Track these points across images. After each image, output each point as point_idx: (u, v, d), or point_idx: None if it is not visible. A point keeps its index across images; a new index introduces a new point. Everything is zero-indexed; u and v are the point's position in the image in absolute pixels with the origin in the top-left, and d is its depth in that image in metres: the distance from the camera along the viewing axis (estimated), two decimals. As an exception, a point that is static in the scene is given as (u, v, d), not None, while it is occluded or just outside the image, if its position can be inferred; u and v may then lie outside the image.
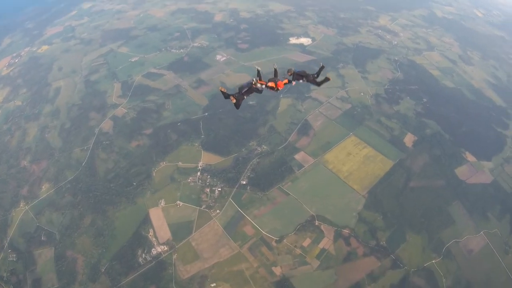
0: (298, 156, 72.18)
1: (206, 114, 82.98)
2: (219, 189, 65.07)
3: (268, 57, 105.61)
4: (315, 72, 22.06)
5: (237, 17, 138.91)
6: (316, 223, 62.06)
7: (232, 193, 64.52)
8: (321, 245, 60.32)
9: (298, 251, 59.25)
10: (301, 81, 22.13)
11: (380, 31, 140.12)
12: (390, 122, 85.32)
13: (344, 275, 58.13)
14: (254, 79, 21.26)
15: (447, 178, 74.93)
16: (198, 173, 68.27)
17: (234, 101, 21.40)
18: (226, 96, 21.70)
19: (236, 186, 65.76)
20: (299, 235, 60.69)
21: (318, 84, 22.13)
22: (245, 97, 21.73)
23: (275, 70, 21.97)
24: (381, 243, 62.50)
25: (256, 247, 58.79)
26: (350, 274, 58.63)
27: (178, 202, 64.20)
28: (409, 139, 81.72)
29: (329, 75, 22.17)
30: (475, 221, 68.88)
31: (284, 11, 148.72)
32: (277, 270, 56.73)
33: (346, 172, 71.13)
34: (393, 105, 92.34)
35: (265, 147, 73.57)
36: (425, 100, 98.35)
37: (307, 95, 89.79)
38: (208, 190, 65.35)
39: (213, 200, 63.77)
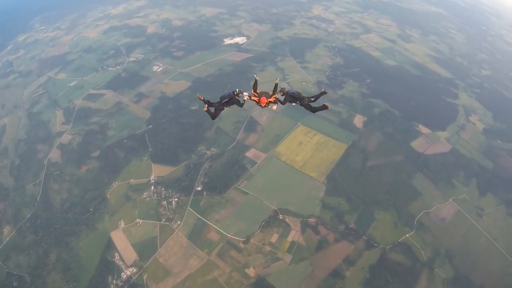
0: (249, 154, 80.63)
1: (150, 126, 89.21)
2: (176, 200, 70.57)
3: (204, 61, 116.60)
4: (311, 96, 22.55)
5: (170, 26, 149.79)
6: (280, 217, 68.44)
7: (190, 202, 70.34)
8: (290, 238, 65.87)
9: (268, 248, 64.32)
10: (293, 104, 22.30)
11: (314, 21, 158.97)
12: (336, 106, 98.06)
13: (319, 264, 63.15)
14: (237, 90, 22.02)
15: (405, 153, 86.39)
16: (152, 187, 73.44)
17: (206, 109, 22.30)
18: (208, 103, 22.56)
19: (192, 193, 71.72)
20: (265, 232, 66.34)
21: (313, 110, 22.13)
22: (224, 108, 22.64)
23: (276, 86, 22.58)
24: (350, 226, 68.98)
25: (224, 252, 63.44)
26: (326, 262, 63.73)
27: (138, 220, 68.58)
28: (358, 120, 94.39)
29: (327, 104, 22.07)
30: (442, 190, 79.10)
31: (215, 14, 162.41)
32: (251, 272, 61.00)
33: (301, 161, 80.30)
34: (337, 89, 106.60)
35: (214, 149, 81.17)
36: (368, 80, 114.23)
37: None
38: (165, 202, 70.58)
39: (172, 212, 68.96)
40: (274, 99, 22.15)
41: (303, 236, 66.11)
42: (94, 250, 65.20)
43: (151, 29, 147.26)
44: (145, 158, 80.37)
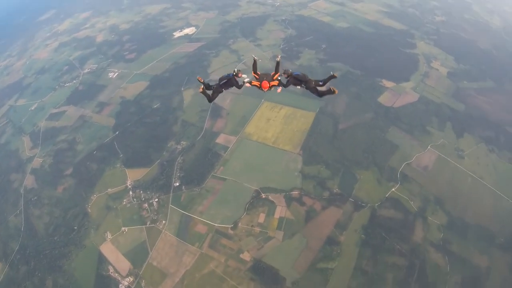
0: (219, 140, 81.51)
1: (117, 133, 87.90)
2: (156, 200, 70.72)
3: (157, 58, 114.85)
4: (320, 80, 20.95)
5: (118, 31, 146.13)
6: (263, 196, 69.40)
7: (170, 199, 70.56)
8: (277, 215, 66.61)
9: (257, 229, 64.94)
10: (298, 87, 21.03)
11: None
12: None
13: (312, 235, 64.06)
14: (235, 70, 21.19)
15: (374, 109, 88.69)
16: (130, 193, 73.03)
17: (201, 90, 21.50)
18: (207, 86, 21.76)
19: (171, 190, 71.94)
20: (251, 214, 67.05)
21: (320, 94, 20.81)
22: (223, 90, 21.71)
23: (277, 64, 21.57)
24: (335, 191, 70.38)
25: (215, 242, 63.79)
26: (318, 231, 64.71)
27: (123, 228, 68.10)
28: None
29: (334, 87, 20.42)
30: (418, 139, 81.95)
31: (161, 10, 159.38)
32: (246, 256, 61.47)
33: (272, 137, 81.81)
34: (294, 60, 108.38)
35: (184, 142, 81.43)
36: (324, 46, 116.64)
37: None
38: (146, 205, 70.53)
39: (155, 213, 69.09)
40: (277, 82, 20.85)
41: (289, 210, 67.02)
42: (87, 268, 64.50)
43: (100, 38, 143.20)
44: (118, 165, 79.52)
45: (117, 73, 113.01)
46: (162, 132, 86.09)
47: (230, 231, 64.62)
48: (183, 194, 71.44)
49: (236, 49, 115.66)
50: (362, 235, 64.39)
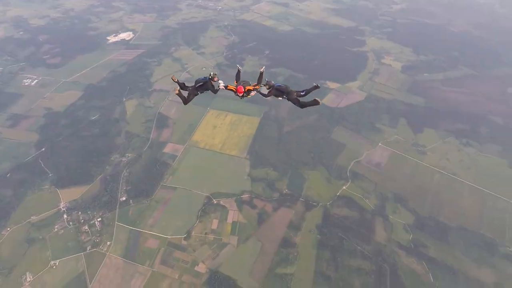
0: (167, 149, 79.62)
1: (43, 149, 78.77)
2: (99, 219, 65.40)
3: (91, 65, 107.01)
4: (301, 90, 20.85)
5: (28, 27, 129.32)
6: (215, 202, 69.20)
7: (116, 215, 66.25)
8: (229, 220, 66.63)
9: (211, 236, 63.83)
10: (280, 98, 20.79)
11: (200, 1, 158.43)
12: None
13: (267, 238, 63.26)
14: (211, 74, 20.91)
15: (318, 111, 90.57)
16: (65, 216, 65.84)
17: (177, 92, 21.07)
18: (182, 86, 21.34)
19: (117, 206, 67.72)
20: (204, 221, 66.05)
21: (302, 105, 20.64)
22: (198, 93, 21.25)
23: (260, 75, 21.55)
24: (284, 191, 71.92)
25: (168, 256, 60.19)
26: (272, 233, 64.12)
27: (52, 262, 59.24)
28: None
29: (318, 99, 20.23)
30: (367, 136, 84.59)
31: (87, 7, 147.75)
32: (201, 268, 58.73)
33: (219, 143, 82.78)
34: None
35: (129, 154, 77.58)
36: (267, 52, 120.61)
37: (150, 90, 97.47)
38: (86, 227, 64.34)
39: (98, 235, 63.48)
40: (253, 87, 20.49)
41: (241, 214, 67.27)
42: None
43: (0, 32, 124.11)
44: (46, 187, 70.56)
45: (36, 80, 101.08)
46: (103, 145, 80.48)
47: (184, 242, 62.43)
48: (130, 208, 67.55)
49: (179, 57, 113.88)
50: (318, 235, 64.32)
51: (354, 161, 78.70)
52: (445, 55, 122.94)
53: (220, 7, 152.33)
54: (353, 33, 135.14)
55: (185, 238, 62.93)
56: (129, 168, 74.65)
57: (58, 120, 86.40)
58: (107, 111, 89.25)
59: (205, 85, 20.85)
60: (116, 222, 65.25)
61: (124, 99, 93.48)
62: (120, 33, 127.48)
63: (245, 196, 70.49)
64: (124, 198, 68.94)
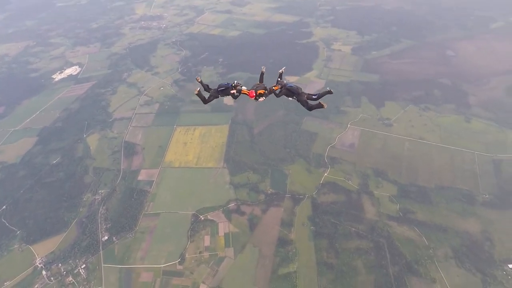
0: (141, 176, 75.63)
1: (4, 207, 71.45)
2: (83, 266, 60.10)
3: (40, 108, 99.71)
4: (314, 93, 20.82)
5: None
6: (202, 218, 66.65)
7: (101, 258, 61.26)
8: (221, 233, 64.38)
9: (206, 254, 61.14)
10: (290, 98, 21.17)
11: (143, 22, 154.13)
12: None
13: (262, 241, 62.69)
14: (235, 82, 21.39)
15: (283, 106, 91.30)
16: (44, 272, 59.83)
17: (196, 92, 21.65)
18: (205, 87, 22.07)
19: (100, 247, 62.72)
20: (195, 240, 63.27)
21: (309, 108, 20.56)
22: (219, 96, 21.66)
23: (280, 75, 22.26)
24: (269, 192, 71.00)
25: (166, 286, 57.01)
26: (266, 236, 63.71)
27: None
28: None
29: (324, 103, 20.30)
30: (335, 121, 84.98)
31: (23, 49, 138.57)
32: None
33: (194, 159, 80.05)
34: (196, 80, 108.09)
35: (102, 191, 72.66)
36: (221, 59, 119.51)
37: (110, 120, 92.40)
38: (70, 278, 58.88)
39: (85, 282, 58.29)
40: (263, 91, 20.87)
41: (231, 223, 65.81)
42: None
43: None
44: (15, 246, 64.12)
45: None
46: (72, 187, 74.53)
47: (179, 267, 59.56)
48: (115, 246, 63.05)
49: (133, 82, 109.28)
50: (311, 227, 63.83)
51: (329, 146, 79.68)
52: (386, 31, 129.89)
53: (164, 25, 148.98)
54: (299, 26, 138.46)
55: (179, 263, 59.77)
56: (105, 205, 69.77)
57: (15, 172, 78.97)
58: (68, 152, 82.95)
59: (227, 90, 21.28)
60: (103, 265, 60.51)
61: (84, 136, 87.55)
62: (65, 69, 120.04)
63: (232, 205, 68.75)
64: (106, 237, 64.14)
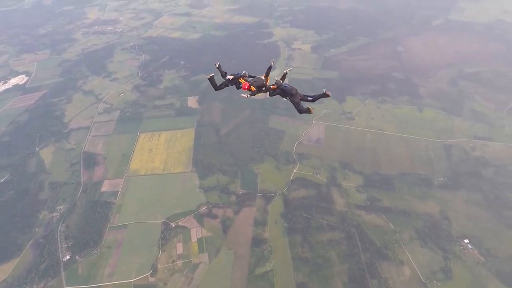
0: (104, 188, 70.62)
1: None
2: (43, 292, 54.95)
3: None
4: (310, 95, 20.41)
5: None
6: (173, 225, 63.65)
7: (63, 279, 55.66)
8: (194, 239, 61.74)
9: (179, 262, 58.32)
10: (284, 99, 20.65)
11: (96, 27, 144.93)
12: (165, 100, 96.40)
13: (237, 243, 61.00)
14: (243, 72, 21.59)
15: (249, 106, 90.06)
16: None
17: (209, 77, 22.15)
18: (223, 74, 22.53)
19: (61, 268, 57.07)
20: (167, 249, 60.15)
21: (300, 111, 19.91)
22: (230, 84, 22.04)
23: (269, 68, 22.23)
24: (240, 192, 69.58)
25: None
26: (240, 237, 62.04)
27: None
28: (192, 102, 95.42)
29: (311, 107, 19.65)
30: (300, 118, 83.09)
31: None
32: None
33: (161, 165, 76.42)
34: (157, 85, 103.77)
35: (61, 207, 66.60)
36: (182, 62, 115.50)
37: (66, 131, 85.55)
38: (27, 308, 53.07)
39: (47, 308, 53.15)
40: (253, 89, 20.43)
41: (204, 228, 63.55)
42: None
43: None
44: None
45: None
46: (25, 206, 67.54)
47: (151, 279, 55.95)
48: (79, 265, 57.70)
49: (90, 90, 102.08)
50: (285, 223, 63.79)
51: (296, 143, 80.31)
52: (342, 30, 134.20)
53: (120, 29, 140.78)
54: (259, 27, 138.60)
55: (151, 275, 56.26)
56: (64, 222, 63.93)
57: (-42, 195, 70.11)
58: (19, 168, 75.24)
59: (235, 79, 21.64)
60: (65, 287, 54.74)
61: (37, 149, 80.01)
62: (10, 78, 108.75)
63: (203, 209, 66.46)
64: (68, 257, 58.65)
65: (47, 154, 78.83)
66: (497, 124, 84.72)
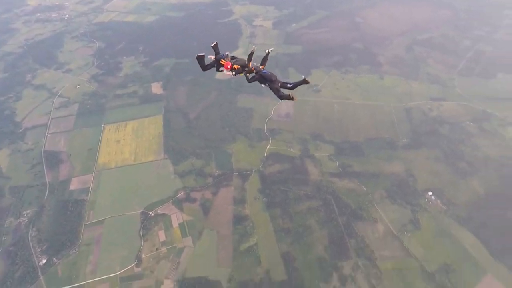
0: (73, 185, 66.76)
1: None
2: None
3: None
4: (290, 82, 19.89)
5: None
6: (152, 214, 62.31)
7: (44, 284, 52.84)
8: (175, 224, 61.05)
9: (164, 249, 57.74)
10: (263, 85, 19.92)
11: (39, 14, 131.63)
12: (127, 88, 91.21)
13: (219, 223, 60.97)
14: (227, 54, 20.52)
15: (215, 88, 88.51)
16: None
17: (198, 56, 20.39)
18: (217, 52, 20.93)
19: (39, 274, 54.05)
20: (149, 239, 59.00)
21: (280, 97, 19.31)
22: (215, 65, 20.77)
23: (251, 53, 21.20)
24: (216, 173, 69.00)
25: None
26: (222, 217, 62.15)
27: None
28: (156, 88, 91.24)
29: (293, 95, 19.07)
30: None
31: None
32: (168, 284, 53.34)
33: (131, 155, 73.55)
34: (117, 73, 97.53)
35: (27, 211, 62.16)
36: (141, 48, 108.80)
37: (20, 131, 78.52)
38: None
39: (29, 314, 50.53)
40: (237, 67, 19.70)
41: (184, 213, 62.96)
42: None
43: None
44: None
45: None
46: (-15, 215, 62.55)
47: (137, 269, 55.42)
48: (58, 267, 55.22)
49: (41, 84, 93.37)
50: (264, 199, 64.65)
51: (267, 119, 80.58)
52: (301, 5, 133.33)
53: (67, 16, 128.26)
54: (218, 6, 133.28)
55: (136, 265, 55.59)
56: (34, 226, 60.10)
57: None
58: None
59: (217, 60, 20.73)
60: (46, 293, 53.06)
61: (-10, 155, 73.63)
62: None
63: (180, 195, 65.74)
64: (44, 261, 55.72)
65: (2, 157, 72.38)
66: (449, 84, 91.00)
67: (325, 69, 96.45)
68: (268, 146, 74.04)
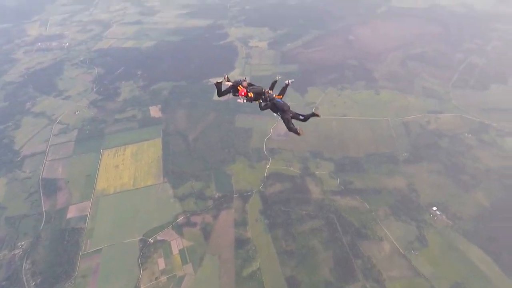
0: (71, 213, 65.00)
1: None
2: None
3: None
4: (301, 114, 19.72)
5: None
6: (151, 241, 60.13)
7: (38, 320, 50.79)
8: (175, 251, 58.94)
9: (163, 278, 55.33)
10: (275, 114, 19.77)
11: (39, 44, 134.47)
12: (126, 113, 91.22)
13: (220, 248, 59.10)
14: (244, 78, 20.92)
15: (213, 109, 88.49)
16: None
17: (216, 82, 21.06)
18: (235, 83, 21.00)
19: (33, 310, 51.85)
20: (148, 267, 56.69)
21: (288, 128, 19.60)
22: (231, 91, 20.97)
23: (273, 83, 21.82)
24: (216, 196, 67.20)
25: None
26: (223, 240, 60.21)
27: None
28: (155, 111, 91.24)
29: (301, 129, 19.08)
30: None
31: None
32: None
33: (130, 180, 72.07)
34: (116, 98, 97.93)
35: (22, 242, 60.17)
36: (139, 72, 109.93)
37: (18, 159, 77.67)
38: None
39: None
40: (251, 95, 19.80)
41: (184, 238, 60.84)
42: None
43: None
44: None
45: None
46: (-21, 247, 60.30)
47: (136, 301, 52.80)
48: (55, 303, 52.93)
49: (41, 111, 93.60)
50: (265, 220, 62.98)
51: (266, 139, 79.81)
52: (295, 25, 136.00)
53: (67, 44, 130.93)
54: (214, 29, 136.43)
55: (136, 295, 52.75)
56: (29, 258, 57.88)
57: None
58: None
59: (234, 86, 21.03)
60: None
61: (-13, 184, 72.23)
62: None
63: (181, 219, 63.79)
64: (39, 295, 53.40)
65: (0, 187, 70.93)
66: (445, 97, 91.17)
67: (322, 87, 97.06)
68: (268, 166, 72.94)
